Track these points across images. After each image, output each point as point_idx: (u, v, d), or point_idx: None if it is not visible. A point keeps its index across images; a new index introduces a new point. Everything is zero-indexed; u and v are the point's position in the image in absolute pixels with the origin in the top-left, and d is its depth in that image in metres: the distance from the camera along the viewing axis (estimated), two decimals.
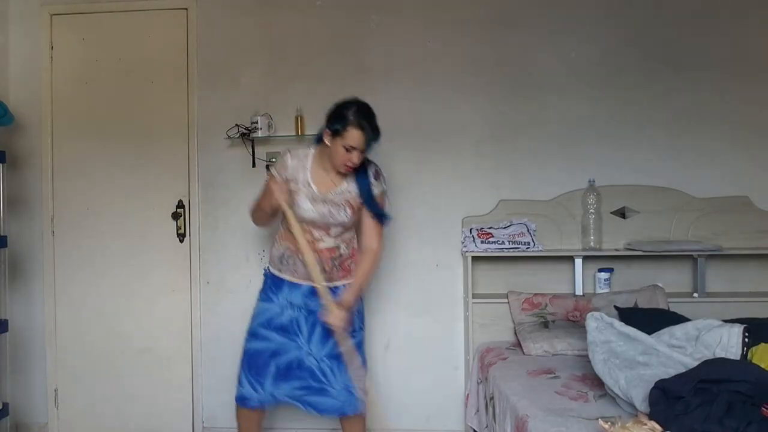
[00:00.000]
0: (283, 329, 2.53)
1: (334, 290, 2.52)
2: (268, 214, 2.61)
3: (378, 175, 2.54)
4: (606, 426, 1.69)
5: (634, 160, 3.16)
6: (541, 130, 3.18)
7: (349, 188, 2.50)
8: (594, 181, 3.10)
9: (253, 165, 3.20)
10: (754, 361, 2.00)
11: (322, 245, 2.51)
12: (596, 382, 2.20)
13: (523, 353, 2.75)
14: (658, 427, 1.69)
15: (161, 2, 3.29)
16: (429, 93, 3.20)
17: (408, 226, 3.21)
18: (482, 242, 3.01)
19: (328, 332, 2.51)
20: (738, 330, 2.14)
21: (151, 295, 3.30)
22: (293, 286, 2.55)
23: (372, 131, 2.39)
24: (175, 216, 3.28)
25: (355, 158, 2.40)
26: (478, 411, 2.84)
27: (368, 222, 2.55)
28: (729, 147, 3.13)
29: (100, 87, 3.32)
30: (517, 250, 2.99)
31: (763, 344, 2.08)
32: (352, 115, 2.37)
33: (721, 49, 3.13)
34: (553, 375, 2.44)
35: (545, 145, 3.18)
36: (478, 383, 2.87)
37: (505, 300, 3.06)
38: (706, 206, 3.10)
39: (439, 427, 3.20)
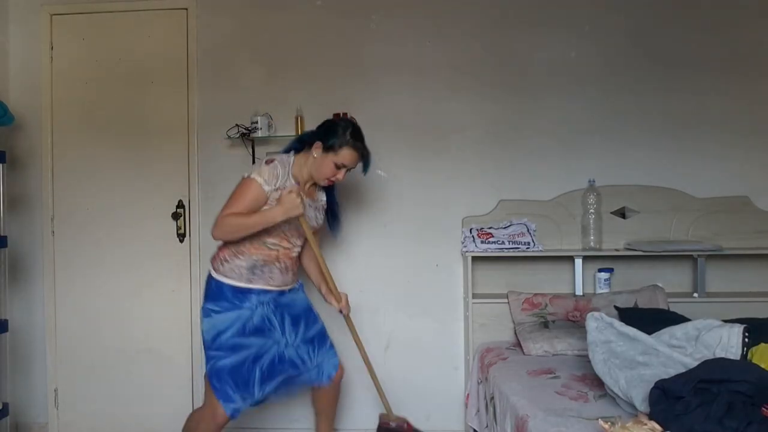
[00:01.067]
0: (259, 330, 2.46)
1: (292, 290, 2.59)
2: (254, 231, 2.38)
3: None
4: (606, 426, 1.69)
5: (634, 160, 3.16)
6: (542, 130, 3.18)
7: (321, 197, 2.62)
8: (594, 181, 3.10)
9: (254, 165, 3.20)
10: (754, 361, 2.00)
11: (294, 253, 2.55)
12: (596, 382, 2.20)
13: (523, 353, 2.75)
14: (658, 427, 1.69)
15: (161, 2, 3.29)
16: (429, 93, 3.21)
17: (408, 226, 3.22)
18: (482, 242, 3.01)
19: (296, 319, 2.55)
20: (738, 330, 2.14)
21: (151, 295, 3.30)
22: (263, 293, 2.47)
23: (366, 155, 2.49)
24: (175, 216, 3.28)
25: (341, 175, 2.46)
26: (478, 411, 2.84)
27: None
28: (729, 147, 3.14)
29: (100, 87, 3.32)
30: (517, 250, 2.99)
31: (763, 344, 2.08)
32: (350, 136, 2.42)
33: (721, 48, 3.14)
34: (553, 375, 2.44)
35: (545, 145, 3.18)
36: (478, 383, 2.87)
37: (505, 300, 3.06)
38: (706, 206, 3.10)
39: (439, 427, 3.20)
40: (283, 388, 2.59)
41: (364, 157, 2.49)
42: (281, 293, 2.53)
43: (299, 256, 2.63)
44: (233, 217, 2.35)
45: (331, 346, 2.66)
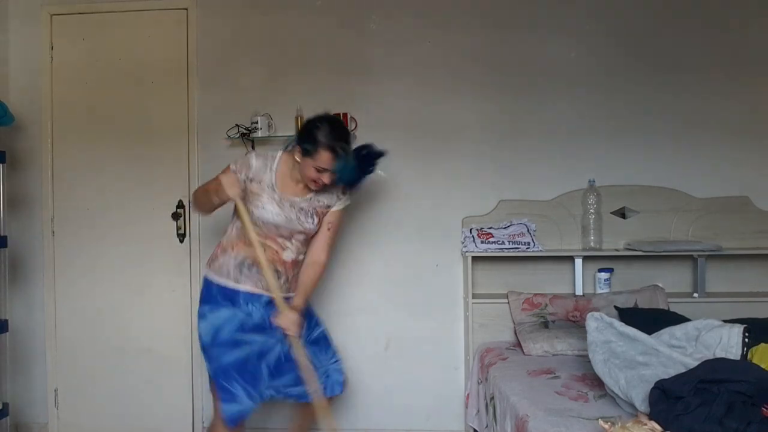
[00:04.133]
0: (259, 328, 2.37)
1: (288, 299, 2.43)
2: (214, 205, 2.46)
3: (345, 191, 2.50)
4: (606, 426, 1.69)
5: (634, 160, 3.16)
6: (542, 130, 3.18)
7: (318, 197, 2.44)
8: (594, 181, 3.10)
9: None
10: (754, 361, 2.01)
11: (286, 256, 2.42)
12: (596, 382, 2.20)
13: (523, 353, 2.75)
14: (658, 427, 1.69)
15: (161, 2, 3.29)
16: (429, 93, 3.20)
17: (408, 226, 3.21)
18: (482, 242, 3.01)
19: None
20: (738, 330, 2.14)
21: (151, 295, 3.30)
22: (251, 297, 2.38)
23: (345, 154, 2.30)
24: (175, 216, 3.28)
25: (326, 179, 2.33)
26: (478, 411, 2.84)
27: (322, 234, 2.48)
28: (729, 147, 3.14)
29: (100, 87, 3.32)
30: (517, 250, 2.99)
31: (763, 344, 2.08)
32: (324, 137, 2.27)
33: (721, 49, 3.14)
34: (553, 375, 2.44)
35: (545, 145, 3.18)
36: (478, 383, 2.87)
37: (505, 300, 3.06)
38: (706, 206, 3.10)
39: (439, 427, 3.20)
40: (297, 390, 2.45)
41: (341, 158, 2.28)
42: (270, 303, 2.39)
43: (297, 262, 2.47)
44: (199, 189, 2.54)
45: (335, 353, 2.58)
